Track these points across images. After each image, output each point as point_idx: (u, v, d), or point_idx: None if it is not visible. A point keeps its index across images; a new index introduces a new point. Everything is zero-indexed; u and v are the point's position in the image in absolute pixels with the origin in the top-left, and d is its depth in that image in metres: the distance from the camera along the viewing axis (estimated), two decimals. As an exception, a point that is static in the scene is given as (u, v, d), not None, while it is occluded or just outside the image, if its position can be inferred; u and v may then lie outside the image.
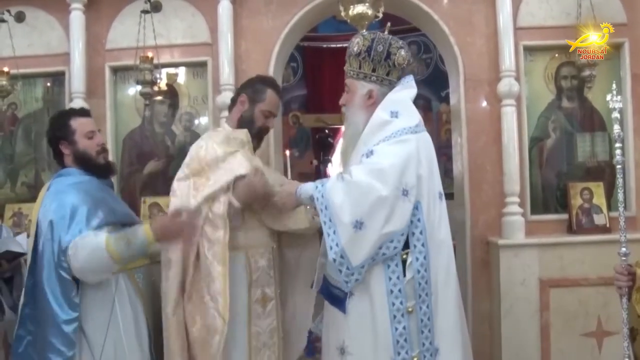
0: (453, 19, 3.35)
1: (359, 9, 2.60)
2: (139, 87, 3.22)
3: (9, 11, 3.34)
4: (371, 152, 2.04)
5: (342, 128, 2.46)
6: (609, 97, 2.05)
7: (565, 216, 3.27)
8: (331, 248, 1.98)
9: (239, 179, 2.21)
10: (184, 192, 2.21)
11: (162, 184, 3.35)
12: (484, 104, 3.35)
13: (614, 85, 2.12)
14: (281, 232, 2.44)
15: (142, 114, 3.45)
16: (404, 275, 2.03)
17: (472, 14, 3.35)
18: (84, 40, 3.35)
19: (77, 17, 3.33)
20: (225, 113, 2.96)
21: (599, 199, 3.22)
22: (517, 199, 3.19)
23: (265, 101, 2.43)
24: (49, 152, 3.33)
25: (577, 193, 3.23)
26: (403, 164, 2.00)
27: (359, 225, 1.96)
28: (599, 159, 3.31)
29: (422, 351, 2.04)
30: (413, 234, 2.03)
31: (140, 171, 3.42)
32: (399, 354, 2.01)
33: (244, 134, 2.38)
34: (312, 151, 7.93)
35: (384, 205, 1.96)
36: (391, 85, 2.18)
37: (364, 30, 2.51)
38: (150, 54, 3.16)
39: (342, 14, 2.70)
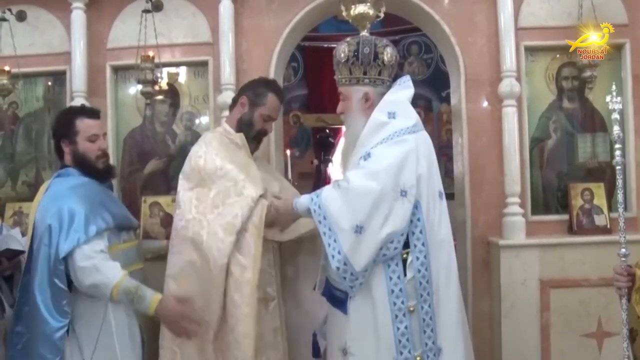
0: (454, 19, 3.34)
1: (361, 8, 2.59)
2: (139, 87, 3.22)
3: (10, 10, 3.33)
4: (368, 155, 2.04)
5: (343, 128, 2.46)
6: (608, 98, 2.05)
7: (566, 217, 3.26)
8: (333, 257, 1.97)
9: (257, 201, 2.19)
10: (187, 207, 2.21)
11: (162, 183, 3.36)
12: (485, 104, 3.34)
13: (613, 87, 2.11)
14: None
15: (143, 113, 3.45)
16: (405, 274, 2.03)
17: (473, 14, 3.34)
18: (85, 40, 3.34)
19: (78, 16, 3.33)
20: (226, 112, 2.95)
21: (600, 200, 3.21)
22: (517, 200, 3.18)
23: (265, 105, 2.43)
24: (49, 150, 3.35)
25: (578, 194, 3.22)
26: (400, 164, 1.99)
27: (359, 229, 1.96)
28: (599, 159, 3.30)
29: (425, 351, 2.04)
30: (413, 233, 2.03)
31: (141, 170, 3.41)
32: (401, 353, 2.01)
33: (238, 137, 2.38)
34: (313, 151, 7.89)
35: (383, 206, 1.96)
36: (385, 85, 2.17)
37: (365, 32, 2.50)
38: (151, 53, 3.16)
39: (344, 13, 2.69)
